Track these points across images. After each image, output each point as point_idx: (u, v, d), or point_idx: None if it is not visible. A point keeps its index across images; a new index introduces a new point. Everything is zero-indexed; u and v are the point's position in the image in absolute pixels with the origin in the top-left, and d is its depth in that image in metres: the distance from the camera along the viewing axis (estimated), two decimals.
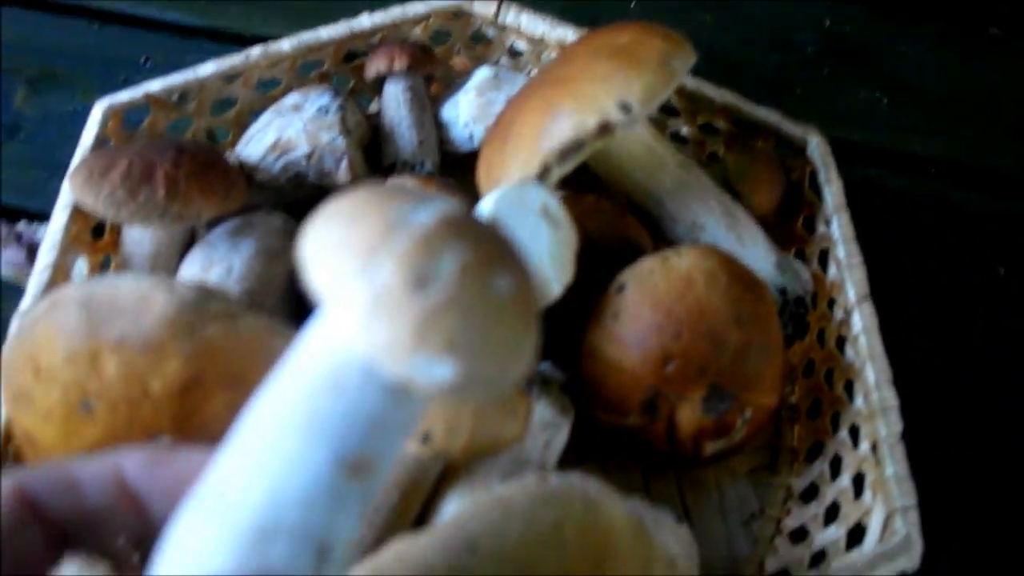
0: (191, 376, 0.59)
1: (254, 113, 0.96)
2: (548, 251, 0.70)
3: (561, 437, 0.74)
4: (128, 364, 0.58)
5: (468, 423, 0.60)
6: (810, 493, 0.84)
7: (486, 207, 0.69)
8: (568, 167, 0.75)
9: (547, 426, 0.74)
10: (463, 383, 0.33)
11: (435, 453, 0.59)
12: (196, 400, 0.59)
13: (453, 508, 0.66)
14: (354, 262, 0.34)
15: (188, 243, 0.83)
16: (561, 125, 0.73)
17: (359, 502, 0.36)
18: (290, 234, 0.82)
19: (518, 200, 0.70)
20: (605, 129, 0.72)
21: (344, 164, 0.86)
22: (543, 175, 0.75)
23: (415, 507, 0.67)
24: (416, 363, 0.32)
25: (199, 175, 0.76)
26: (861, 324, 0.80)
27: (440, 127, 0.97)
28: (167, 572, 0.35)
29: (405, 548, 0.54)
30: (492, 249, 0.36)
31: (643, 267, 0.75)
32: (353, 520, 0.35)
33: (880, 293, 0.83)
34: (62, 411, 0.60)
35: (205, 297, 0.60)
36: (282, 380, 0.36)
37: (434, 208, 0.35)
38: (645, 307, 0.73)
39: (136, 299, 0.59)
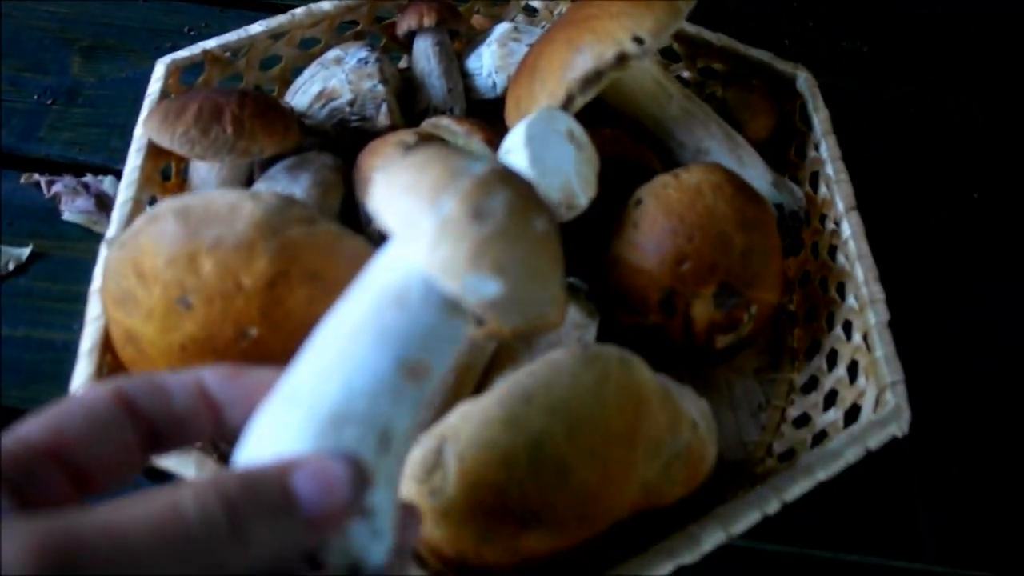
0: (277, 271, 0.68)
1: (296, 70, 1.06)
2: (575, 169, 0.80)
3: (590, 336, 0.84)
4: (222, 263, 0.68)
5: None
6: (810, 385, 0.94)
7: (518, 132, 0.79)
8: (590, 95, 0.85)
9: (577, 326, 0.84)
10: (505, 301, 0.42)
11: (488, 333, 0.69)
12: (281, 293, 0.69)
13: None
14: (424, 200, 0.43)
15: (247, 182, 0.93)
16: (583, 57, 0.83)
17: (415, 401, 0.44)
18: (339, 169, 0.91)
19: (546, 125, 0.80)
20: (621, 60, 0.82)
21: (384, 109, 0.96)
22: (568, 103, 0.85)
23: (469, 388, 0.77)
24: (469, 280, 0.41)
25: (261, 115, 0.85)
26: (849, 230, 0.91)
27: (465, 77, 1.07)
28: (253, 454, 0.41)
29: (468, 407, 0.64)
30: (532, 195, 0.47)
31: (657, 182, 0.85)
32: (408, 416, 0.44)
33: (867, 217, 0.93)
34: (163, 308, 0.69)
35: (287, 204, 0.70)
36: (355, 295, 0.46)
37: (486, 162, 0.46)
38: (660, 215, 0.83)
39: (228, 207, 0.69)
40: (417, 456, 0.63)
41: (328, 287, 0.70)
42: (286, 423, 0.41)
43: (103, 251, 0.82)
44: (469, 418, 0.63)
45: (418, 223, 0.42)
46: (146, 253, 0.69)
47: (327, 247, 0.70)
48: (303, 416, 0.41)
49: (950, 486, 0.95)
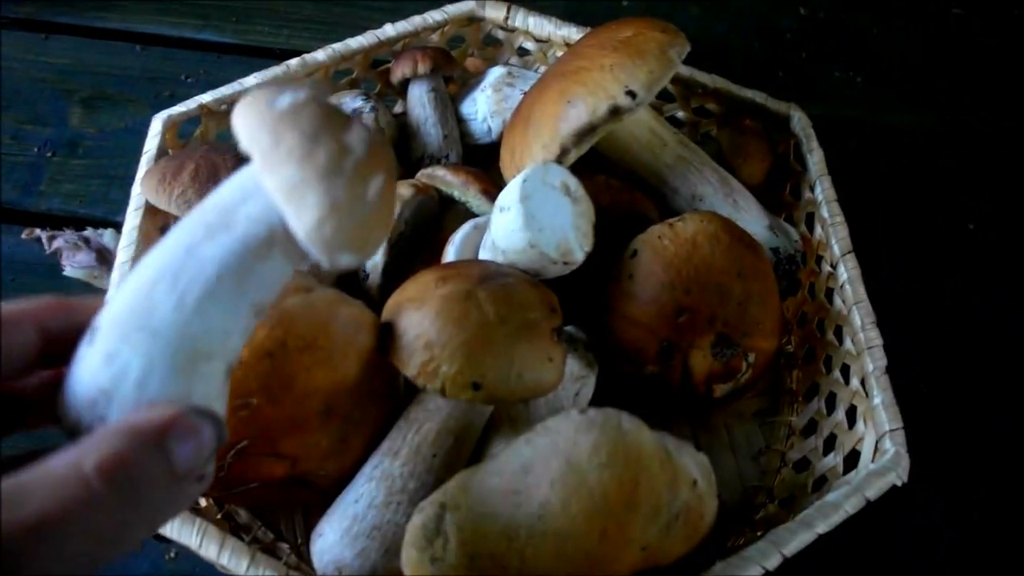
0: (275, 342, 0.69)
1: None
2: (571, 223, 0.81)
3: (588, 388, 0.84)
4: None
5: (513, 369, 0.70)
6: (809, 428, 0.95)
7: (513, 190, 0.80)
8: (583, 148, 0.85)
9: (576, 379, 0.84)
10: (353, 265, 0.47)
11: (486, 397, 0.69)
12: (279, 363, 0.69)
13: (500, 449, 0.77)
14: (315, 177, 0.45)
15: None
16: (576, 111, 0.84)
17: (251, 329, 0.50)
18: None
19: (542, 179, 0.80)
20: (615, 113, 0.83)
21: None
22: (562, 156, 0.85)
23: (467, 451, 0.77)
24: (340, 257, 0.46)
25: None
26: (846, 275, 0.91)
27: (461, 122, 1.08)
28: (118, 381, 0.45)
29: (467, 476, 0.64)
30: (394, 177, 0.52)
31: (652, 233, 0.85)
32: (245, 341, 0.50)
33: (863, 251, 0.94)
34: None
35: None
36: (220, 235, 0.48)
37: (366, 140, 0.49)
38: (657, 268, 0.83)
39: None
40: (418, 523, 0.64)
41: (325, 355, 0.70)
42: (150, 355, 0.45)
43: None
44: (469, 488, 0.64)
45: (305, 195, 0.45)
46: None
47: (324, 315, 0.71)
48: (168, 352, 0.45)
49: (948, 531, 0.95)
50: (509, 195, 0.79)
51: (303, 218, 0.45)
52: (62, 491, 0.38)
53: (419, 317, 0.72)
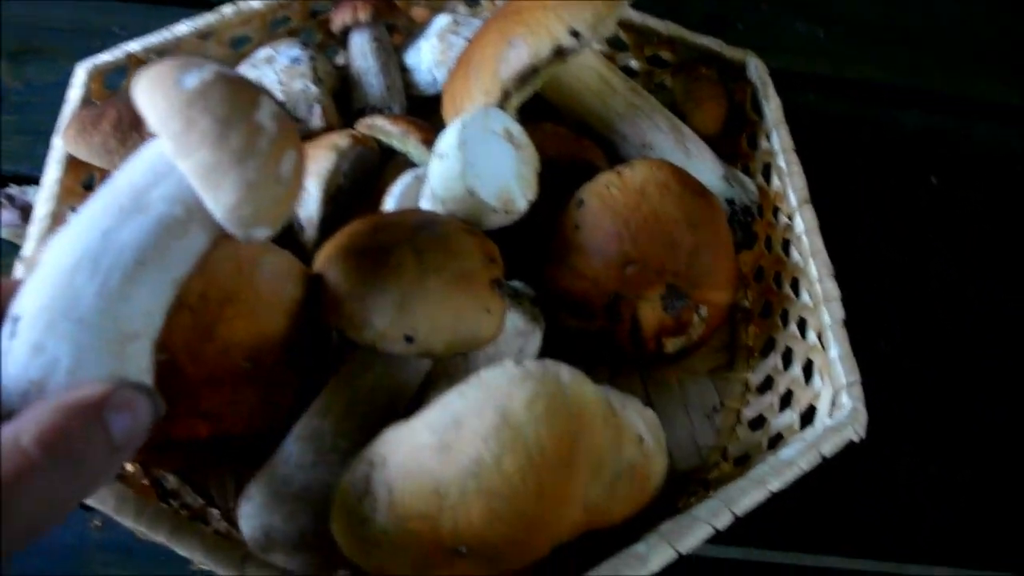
0: (194, 294, 0.64)
1: None
2: (513, 171, 0.77)
3: (533, 344, 0.81)
4: None
5: (448, 321, 0.66)
6: (766, 385, 0.92)
7: (451, 134, 0.75)
8: (526, 92, 0.82)
9: (520, 334, 0.80)
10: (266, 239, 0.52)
11: (420, 350, 0.66)
12: (199, 316, 0.65)
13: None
14: (228, 160, 0.48)
15: None
16: (518, 53, 0.79)
17: (171, 301, 0.52)
18: None
19: (482, 124, 0.76)
20: (559, 54, 0.79)
21: (317, 110, 0.92)
22: (504, 100, 0.81)
23: (403, 408, 0.73)
24: (254, 231, 0.51)
25: None
26: (803, 225, 0.88)
27: (405, 72, 1.03)
28: (48, 369, 0.46)
29: (397, 430, 0.60)
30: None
31: (600, 182, 0.82)
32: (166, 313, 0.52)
33: (824, 205, 0.90)
34: None
35: None
36: (134, 216, 0.49)
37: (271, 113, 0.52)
38: (604, 218, 0.79)
39: None
40: (346, 482, 0.60)
41: (248, 307, 0.66)
42: (79, 343, 0.46)
43: (16, 270, 0.78)
44: (398, 444, 0.60)
45: (222, 179, 0.47)
46: None
47: (248, 265, 0.67)
48: (96, 339, 0.47)
49: (903, 483, 0.93)
50: (447, 141, 0.75)
51: (220, 200, 0.47)
52: (3, 463, 0.39)
53: (351, 267, 0.68)
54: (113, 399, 0.45)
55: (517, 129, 0.79)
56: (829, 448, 0.74)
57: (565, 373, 0.62)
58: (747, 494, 0.70)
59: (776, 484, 0.71)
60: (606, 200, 0.80)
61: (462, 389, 0.60)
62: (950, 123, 1.24)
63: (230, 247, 0.66)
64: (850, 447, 0.75)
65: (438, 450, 0.58)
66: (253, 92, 0.50)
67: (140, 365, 0.49)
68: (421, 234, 0.69)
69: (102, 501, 0.65)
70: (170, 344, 0.64)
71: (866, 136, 1.20)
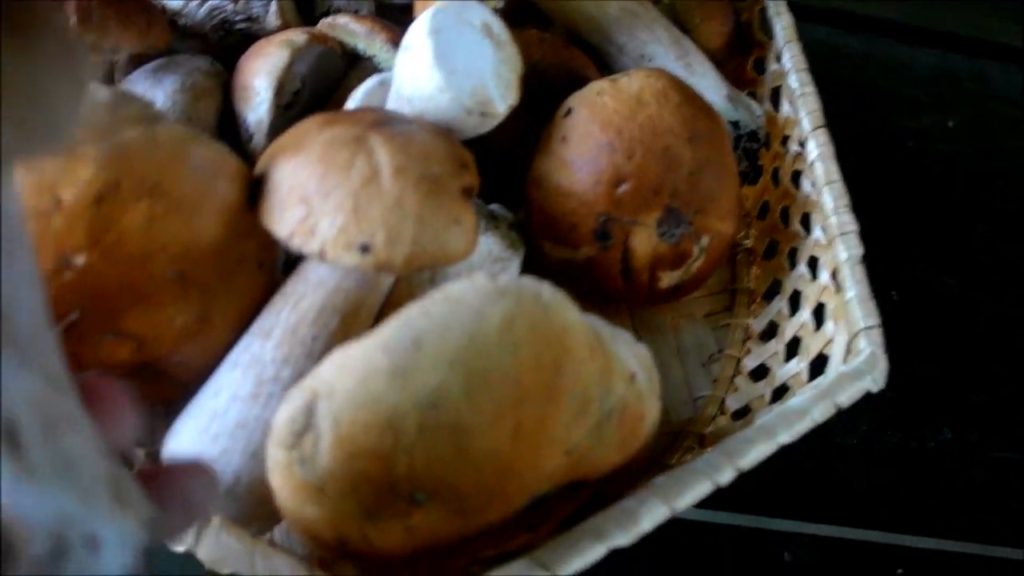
0: (106, 183, 0.54)
1: None
2: (492, 70, 0.66)
3: (512, 272, 0.71)
4: (36, 171, 0.53)
5: (410, 230, 0.56)
6: (769, 332, 0.82)
7: (421, 22, 0.65)
8: None
9: (496, 260, 0.71)
10: None
11: (376, 263, 0.55)
12: (111, 211, 0.54)
13: None
14: None
15: None
16: None
17: None
18: (217, 75, 0.77)
19: (457, 15, 0.66)
20: None
21: (273, 7, 0.81)
22: None
23: (357, 331, 0.63)
24: None
25: (115, 3, 0.70)
26: (817, 151, 0.78)
27: None
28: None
29: (346, 353, 0.50)
30: None
31: (591, 89, 0.72)
32: None
33: (836, 142, 0.80)
34: None
35: (121, 99, 0.55)
36: None
37: None
38: (595, 127, 0.69)
39: None
40: (283, 416, 0.50)
41: (172, 204, 0.55)
42: None
43: None
44: (346, 369, 0.50)
45: None
46: None
47: (170, 154, 0.56)
48: None
49: (911, 448, 0.84)
50: (416, 30, 0.65)
51: None
52: None
53: (295, 165, 0.57)
54: None
55: (498, 25, 0.69)
56: (846, 398, 0.64)
57: (546, 291, 0.52)
58: (753, 446, 0.60)
59: (785, 436, 0.61)
60: (597, 108, 0.70)
61: (425, 305, 0.50)
62: (965, 65, 1.15)
63: (149, 131, 0.55)
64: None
65: (394, 376, 0.48)
66: None
67: None
68: (380, 130, 0.59)
69: None
70: (78, 245, 0.54)
71: (880, 76, 1.11)
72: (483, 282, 0.51)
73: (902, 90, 1.13)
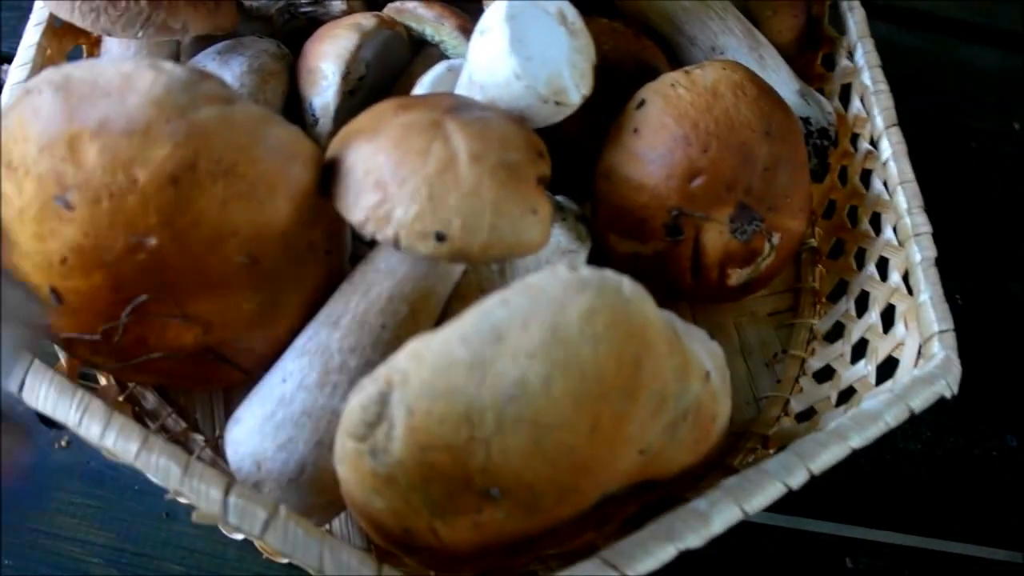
0: (181, 163, 0.53)
1: None
2: (566, 57, 0.65)
3: (578, 263, 0.69)
4: (111, 150, 0.52)
5: (487, 218, 0.55)
6: (835, 333, 0.80)
7: (498, 7, 0.64)
8: None
9: (563, 252, 0.70)
10: None
11: (452, 252, 0.54)
12: (186, 192, 0.53)
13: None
14: None
15: None
16: None
17: None
18: (284, 58, 0.76)
19: (533, 2, 0.65)
20: None
21: None
22: None
23: (426, 325, 0.61)
24: None
25: None
26: (890, 150, 0.76)
27: None
28: None
29: (422, 343, 0.49)
30: None
31: (665, 80, 0.70)
32: None
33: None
34: (37, 208, 0.53)
35: (198, 77, 0.54)
36: None
37: None
38: (669, 119, 0.68)
39: (120, 79, 0.53)
40: (356, 405, 0.49)
41: (247, 186, 0.54)
42: None
43: None
44: (422, 359, 0.49)
45: None
46: (15, 137, 0.54)
47: (247, 135, 0.55)
48: None
49: (974, 456, 0.82)
50: (492, 14, 0.63)
51: None
52: None
53: (371, 149, 0.56)
54: None
55: (572, 12, 0.67)
56: (919, 402, 0.62)
57: (627, 285, 0.51)
58: (826, 449, 0.59)
59: (858, 440, 0.60)
60: (672, 100, 0.68)
61: (505, 295, 0.49)
62: None
63: (226, 111, 0.54)
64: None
65: (472, 366, 0.47)
66: None
67: None
68: (456, 115, 0.58)
69: (61, 409, 0.54)
70: (149, 226, 0.53)
71: (943, 75, 1.09)
72: (564, 273, 0.49)
73: (965, 89, 1.10)
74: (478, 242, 0.55)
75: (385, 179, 0.55)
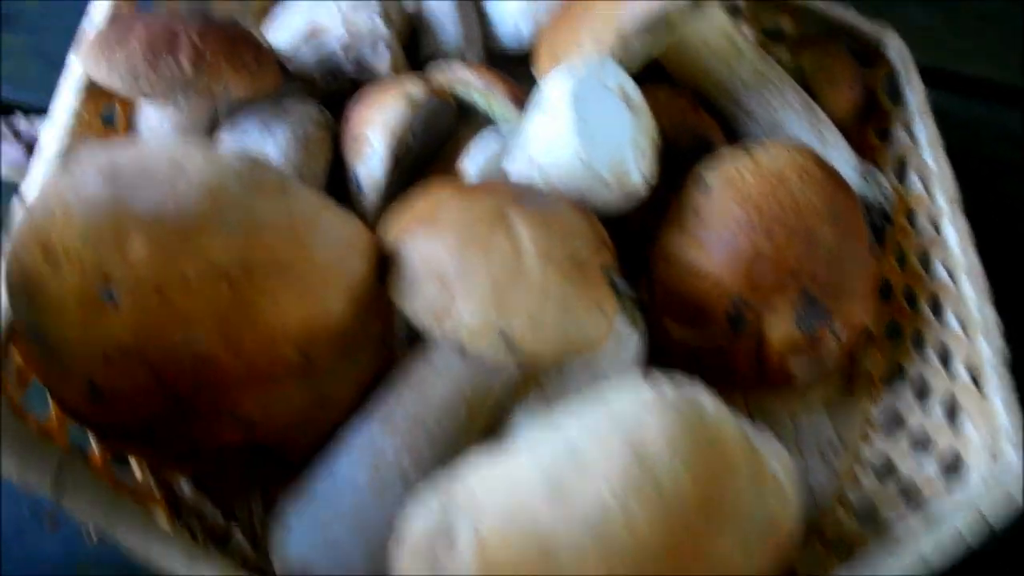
0: (235, 259, 0.50)
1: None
2: (629, 137, 0.62)
3: (629, 351, 0.66)
4: (160, 243, 0.49)
5: (553, 317, 0.52)
6: (894, 421, 0.76)
7: (561, 85, 0.61)
8: (651, 48, 0.67)
9: (618, 337, 0.66)
10: None
11: (517, 355, 0.51)
12: (239, 290, 0.50)
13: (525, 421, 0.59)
14: None
15: (209, 135, 0.74)
16: None
17: None
18: (327, 124, 0.73)
19: (595, 77, 0.62)
20: None
21: (385, 52, 0.77)
22: (621, 51, 0.66)
23: (481, 424, 0.58)
24: None
25: (228, 47, 0.67)
26: (954, 234, 0.73)
27: (484, 23, 0.88)
28: None
29: (490, 466, 0.46)
30: None
31: (727, 161, 0.67)
32: None
33: None
34: (79, 300, 0.50)
35: (253, 165, 0.51)
36: None
37: None
38: (733, 204, 0.65)
39: (170, 164, 0.50)
40: (420, 529, 0.46)
41: (303, 284, 0.51)
42: None
43: (16, 213, 0.63)
44: (492, 483, 0.46)
45: None
46: (57, 224, 0.50)
47: (304, 229, 0.52)
48: None
49: None
50: (554, 92, 0.61)
51: None
52: None
53: (432, 242, 0.54)
54: None
55: (633, 88, 0.65)
56: (993, 512, 0.59)
57: (707, 401, 0.48)
58: (899, 559, 0.56)
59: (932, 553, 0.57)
60: (735, 182, 0.66)
61: (582, 417, 0.46)
62: None
63: (283, 204, 0.51)
64: None
65: (551, 496, 0.44)
66: None
67: None
68: (520, 205, 0.55)
69: (92, 512, 0.50)
70: (200, 323, 0.50)
71: (986, 140, 1.06)
72: (643, 392, 0.47)
73: (1008, 155, 1.08)
74: (544, 343, 0.52)
75: (448, 274, 0.52)
